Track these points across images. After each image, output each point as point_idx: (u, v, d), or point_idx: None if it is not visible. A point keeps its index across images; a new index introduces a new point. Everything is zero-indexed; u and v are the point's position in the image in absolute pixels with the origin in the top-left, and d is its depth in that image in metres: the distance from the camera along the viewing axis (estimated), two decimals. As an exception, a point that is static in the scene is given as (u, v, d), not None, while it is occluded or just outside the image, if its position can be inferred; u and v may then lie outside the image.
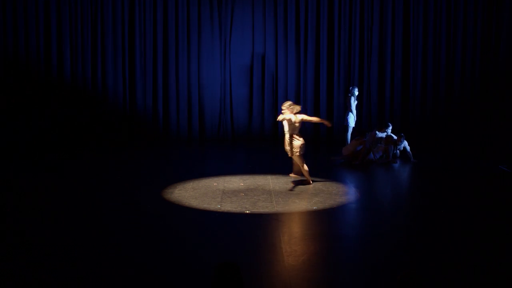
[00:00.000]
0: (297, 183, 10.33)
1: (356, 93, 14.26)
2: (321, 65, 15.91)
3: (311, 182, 10.37)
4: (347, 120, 14.31)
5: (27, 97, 15.16)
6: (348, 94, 14.54)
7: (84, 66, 15.46)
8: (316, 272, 6.33)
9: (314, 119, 11.03)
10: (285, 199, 9.33)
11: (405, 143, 12.94)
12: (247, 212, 8.63)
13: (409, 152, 12.88)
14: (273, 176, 11.07)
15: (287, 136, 10.11)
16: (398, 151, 13.02)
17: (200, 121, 15.93)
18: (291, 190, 9.92)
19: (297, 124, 9.99)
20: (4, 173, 11.37)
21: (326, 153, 14.02)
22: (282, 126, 10.47)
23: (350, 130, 14.38)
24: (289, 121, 9.94)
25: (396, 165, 12.52)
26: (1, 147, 13.83)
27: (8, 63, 15.04)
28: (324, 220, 8.27)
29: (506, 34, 15.24)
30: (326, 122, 10.84)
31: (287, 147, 10.15)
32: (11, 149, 13.81)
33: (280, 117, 10.09)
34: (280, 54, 15.92)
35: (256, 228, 7.89)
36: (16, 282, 5.98)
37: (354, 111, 14.27)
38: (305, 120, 10.19)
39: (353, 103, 14.23)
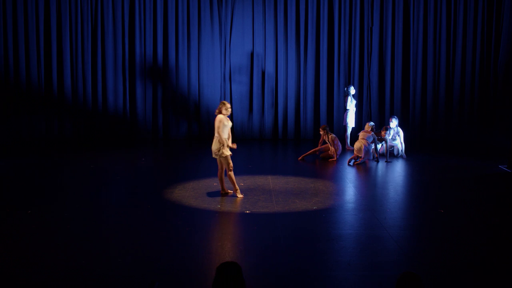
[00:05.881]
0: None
1: (352, 92, 14.24)
2: (321, 65, 15.93)
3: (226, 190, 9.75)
4: (346, 120, 14.33)
5: (26, 99, 15.22)
6: (344, 94, 14.61)
7: (84, 65, 15.49)
8: (316, 272, 6.34)
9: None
10: (285, 199, 9.34)
11: (393, 141, 13.04)
12: (247, 212, 8.63)
13: (397, 149, 13.02)
14: (273, 176, 11.07)
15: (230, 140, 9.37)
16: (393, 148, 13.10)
17: (200, 120, 15.94)
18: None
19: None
20: (7, 171, 11.39)
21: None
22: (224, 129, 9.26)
23: (349, 130, 14.38)
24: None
25: (379, 163, 12.59)
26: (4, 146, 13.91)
27: (7, 63, 15.08)
28: (323, 220, 8.28)
29: (506, 34, 15.25)
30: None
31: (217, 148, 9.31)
32: (10, 149, 13.86)
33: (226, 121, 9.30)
34: (280, 54, 15.93)
35: (256, 228, 7.90)
36: (18, 278, 6.00)
37: (353, 110, 14.26)
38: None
39: (351, 102, 14.22)
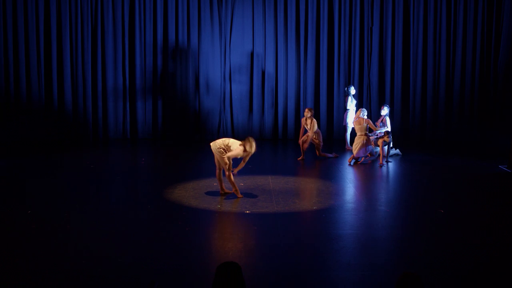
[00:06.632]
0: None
1: (353, 92, 14.25)
2: (321, 65, 15.93)
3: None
4: (346, 120, 14.33)
5: (25, 99, 15.23)
6: (345, 94, 14.63)
7: (84, 65, 15.49)
8: (316, 272, 6.34)
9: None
10: (285, 199, 9.34)
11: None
12: (247, 212, 8.63)
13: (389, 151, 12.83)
14: (273, 176, 11.07)
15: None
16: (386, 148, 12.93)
17: (200, 120, 15.94)
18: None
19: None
20: (7, 171, 11.39)
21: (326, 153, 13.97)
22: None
23: (349, 130, 14.39)
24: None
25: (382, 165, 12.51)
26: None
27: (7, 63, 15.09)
28: (323, 220, 8.28)
29: (506, 34, 15.25)
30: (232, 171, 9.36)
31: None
32: (10, 149, 13.88)
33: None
34: (280, 54, 15.93)
35: (256, 228, 7.90)
36: (18, 276, 6.00)
37: (353, 110, 14.27)
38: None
39: (351, 102, 14.22)
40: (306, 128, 12.92)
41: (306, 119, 12.92)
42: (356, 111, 14.20)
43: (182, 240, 7.33)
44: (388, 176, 11.74)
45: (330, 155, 13.14)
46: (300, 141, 12.97)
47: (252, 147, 9.12)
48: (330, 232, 7.71)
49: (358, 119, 12.65)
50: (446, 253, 6.89)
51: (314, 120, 12.88)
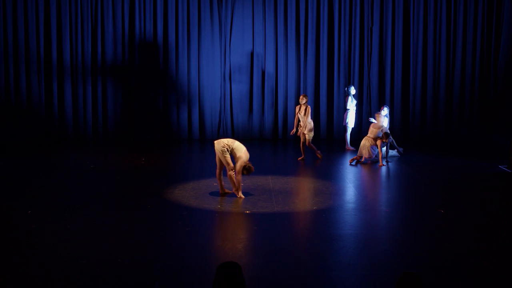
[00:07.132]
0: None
1: (353, 92, 14.23)
2: (321, 65, 15.93)
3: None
4: (346, 120, 14.32)
5: (25, 100, 15.23)
6: (345, 94, 14.62)
7: (84, 65, 15.48)
8: (316, 272, 6.34)
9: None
10: (285, 199, 9.34)
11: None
12: (247, 212, 8.63)
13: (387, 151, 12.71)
14: (273, 176, 11.07)
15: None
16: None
17: (200, 120, 15.94)
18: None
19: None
20: (7, 171, 11.39)
21: (326, 153, 13.97)
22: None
23: (349, 130, 14.38)
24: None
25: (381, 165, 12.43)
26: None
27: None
28: (323, 220, 8.28)
29: (506, 34, 15.25)
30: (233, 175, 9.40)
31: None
32: (10, 149, 13.89)
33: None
34: (280, 54, 15.93)
35: (256, 228, 7.90)
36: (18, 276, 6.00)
37: (354, 110, 14.26)
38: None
39: (351, 102, 14.21)
40: (300, 117, 12.76)
41: (300, 107, 12.79)
42: (357, 112, 14.19)
43: (182, 240, 7.33)
44: (388, 176, 11.73)
45: (318, 151, 12.92)
46: (292, 132, 12.91)
47: (244, 171, 9.19)
48: (330, 232, 7.71)
49: (376, 124, 12.58)
50: (446, 253, 6.89)
51: (309, 106, 12.76)
